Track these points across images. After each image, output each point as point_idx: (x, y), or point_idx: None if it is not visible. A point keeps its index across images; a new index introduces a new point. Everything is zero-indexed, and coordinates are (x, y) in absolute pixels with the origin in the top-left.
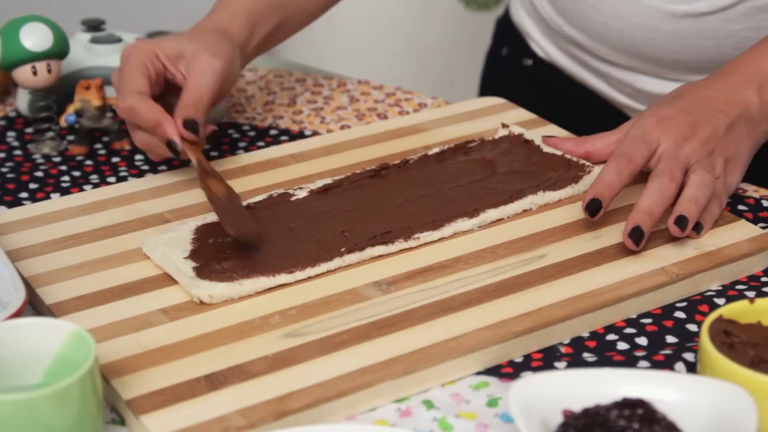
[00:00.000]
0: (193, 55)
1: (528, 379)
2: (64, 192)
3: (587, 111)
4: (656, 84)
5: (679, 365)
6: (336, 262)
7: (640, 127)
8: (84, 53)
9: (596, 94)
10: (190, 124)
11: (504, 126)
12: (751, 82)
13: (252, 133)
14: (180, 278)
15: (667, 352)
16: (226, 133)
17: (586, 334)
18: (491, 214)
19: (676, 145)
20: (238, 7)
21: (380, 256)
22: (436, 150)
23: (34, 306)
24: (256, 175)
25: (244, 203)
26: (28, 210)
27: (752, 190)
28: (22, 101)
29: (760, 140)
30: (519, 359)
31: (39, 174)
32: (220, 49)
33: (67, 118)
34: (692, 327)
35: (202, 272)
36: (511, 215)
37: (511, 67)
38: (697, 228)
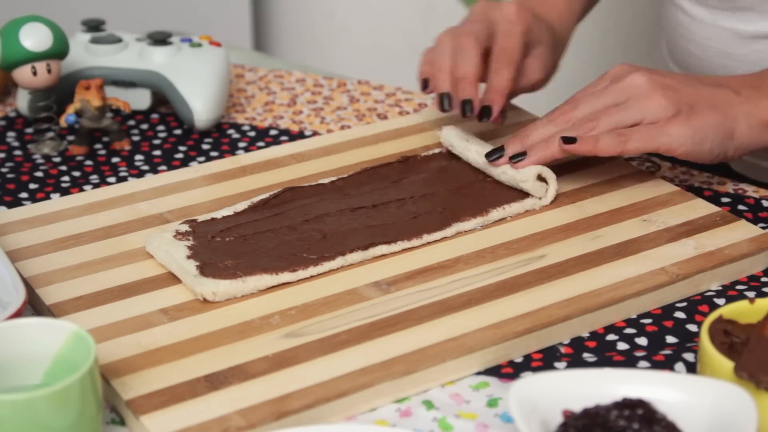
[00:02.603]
0: (540, 50)
1: (528, 379)
2: (64, 192)
3: None
4: None
5: (679, 365)
6: (338, 261)
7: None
8: (84, 53)
9: None
10: (495, 154)
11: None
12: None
13: (252, 133)
14: (183, 276)
15: (667, 352)
16: (226, 133)
17: (586, 334)
18: (494, 214)
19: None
20: None
21: (381, 256)
22: (437, 150)
23: (34, 306)
24: (256, 175)
25: (244, 203)
26: (28, 210)
27: (752, 191)
28: (22, 101)
29: (734, 123)
30: (519, 359)
31: (39, 174)
32: (560, 44)
33: (67, 118)
34: (692, 327)
35: (205, 270)
36: (514, 215)
37: None
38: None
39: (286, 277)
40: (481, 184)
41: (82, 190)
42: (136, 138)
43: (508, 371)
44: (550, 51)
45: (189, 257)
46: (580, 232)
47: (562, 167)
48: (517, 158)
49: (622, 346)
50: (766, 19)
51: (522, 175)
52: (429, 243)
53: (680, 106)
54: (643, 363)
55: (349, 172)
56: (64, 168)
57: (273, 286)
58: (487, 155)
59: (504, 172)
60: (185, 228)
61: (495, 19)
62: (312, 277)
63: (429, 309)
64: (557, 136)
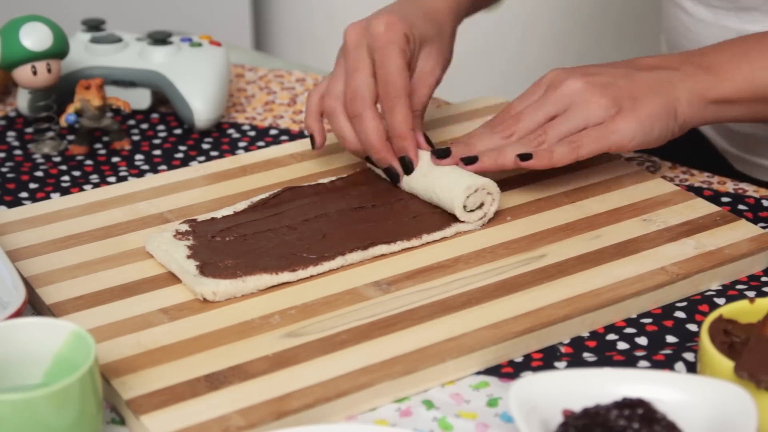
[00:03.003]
0: (431, 47)
1: (528, 379)
2: (64, 192)
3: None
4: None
5: (679, 365)
6: (338, 261)
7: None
8: (84, 53)
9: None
10: (442, 153)
11: None
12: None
13: (252, 133)
14: (183, 276)
15: (667, 352)
16: (226, 133)
17: (586, 334)
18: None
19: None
20: None
21: (381, 256)
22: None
23: (34, 306)
24: (256, 175)
25: (244, 203)
26: (28, 210)
27: (752, 190)
28: (22, 101)
29: (678, 102)
30: (519, 359)
31: (39, 174)
32: (447, 37)
33: (67, 118)
34: (692, 327)
35: (205, 270)
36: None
37: None
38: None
39: (286, 276)
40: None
41: (82, 189)
42: (136, 138)
43: (508, 371)
44: (441, 43)
45: (189, 257)
46: (580, 232)
47: (562, 167)
48: (468, 161)
49: (622, 345)
50: None
51: (453, 191)
52: (429, 243)
53: (621, 102)
54: (643, 363)
55: (349, 172)
56: (64, 168)
57: (273, 286)
58: (435, 152)
59: (432, 191)
60: (185, 228)
61: (371, 46)
62: (312, 276)
63: (429, 309)
64: (505, 149)
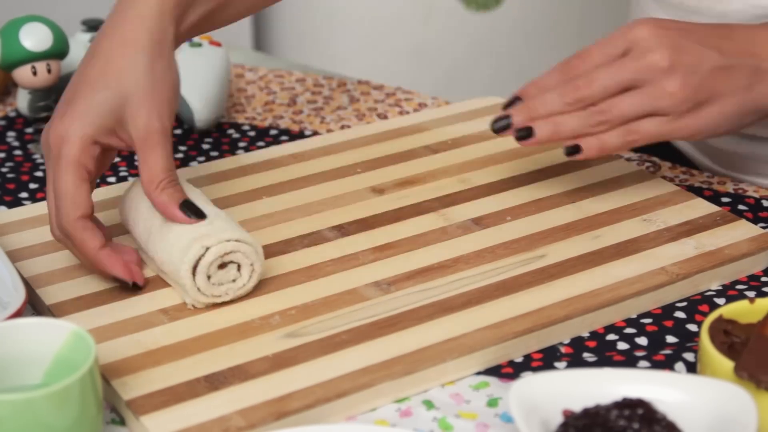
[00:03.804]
0: (133, 115)
1: (528, 379)
2: None
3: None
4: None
5: (679, 365)
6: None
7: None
8: (84, 53)
9: None
10: (188, 206)
11: None
12: None
13: (252, 133)
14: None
15: (667, 352)
16: (226, 133)
17: (586, 334)
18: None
19: (644, 52)
20: None
21: (380, 256)
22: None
23: (34, 306)
24: (256, 175)
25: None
26: (28, 210)
27: (752, 190)
28: (22, 101)
29: (759, 101)
30: (519, 359)
31: (39, 174)
32: (159, 80)
33: None
34: (692, 327)
35: None
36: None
37: None
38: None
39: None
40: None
41: None
42: None
43: (508, 371)
44: (149, 83)
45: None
46: (580, 232)
47: (562, 166)
48: (523, 135)
49: (622, 345)
50: None
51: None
52: (428, 243)
53: (698, 98)
54: (643, 363)
55: (349, 172)
56: None
57: (273, 286)
58: (493, 122)
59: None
60: None
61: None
62: (312, 276)
63: (429, 309)
64: (565, 123)
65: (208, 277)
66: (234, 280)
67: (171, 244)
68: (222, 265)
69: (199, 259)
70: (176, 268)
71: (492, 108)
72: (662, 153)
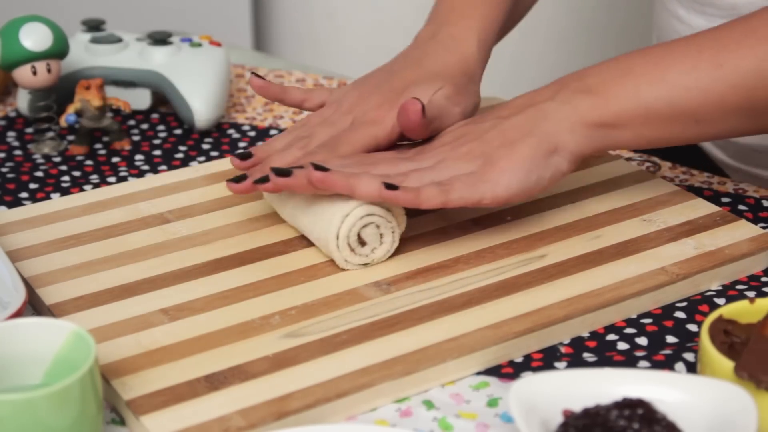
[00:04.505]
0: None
1: (528, 379)
2: (64, 192)
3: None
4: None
5: (679, 365)
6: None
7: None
8: (84, 53)
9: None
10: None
11: None
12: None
13: (252, 133)
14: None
15: (667, 352)
16: (226, 133)
17: (586, 334)
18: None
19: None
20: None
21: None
22: None
23: (34, 306)
24: None
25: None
26: (28, 210)
27: (752, 190)
28: (22, 101)
29: (551, 138)
30: (519, 359)
31: (39, 174)
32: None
33: (67, 118)
34: (692, 327)
35: None
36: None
37: None
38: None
39: None
40: None
41: (82, 190)
42: (136, 138)
43: (508, 371)
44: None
45: None
46: (580, 232)
47: None
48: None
49: (622, 346)
50: None
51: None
52: (429, 243)
53: (490, 154)
54: (643, 363)
55: None
56: (64, 168)
57: (273, 286)
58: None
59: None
60: None
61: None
62: (312, 276)
63: (429, 309)
64: (361, 175)
65: (351, 247)
66: (380, 245)
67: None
68: (361, 238)
69: (339, 229)
70: (326, 243)
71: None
72: (680, 152)
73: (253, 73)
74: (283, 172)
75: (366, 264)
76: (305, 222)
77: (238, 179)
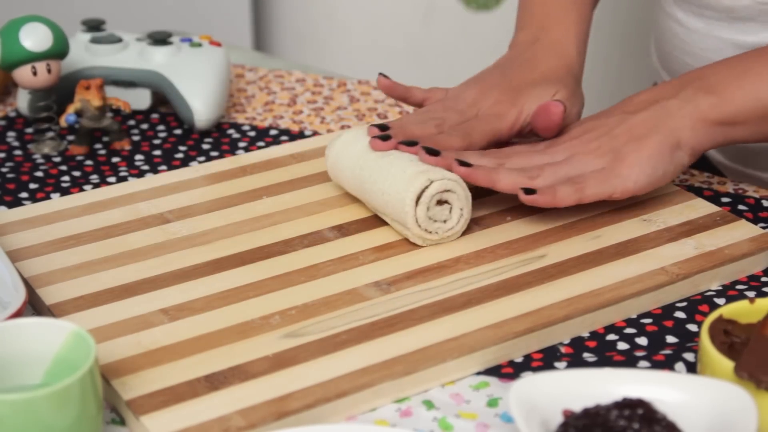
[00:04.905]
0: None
1: (528, 379)
2: (64, 192)
3: None
4: None
5: (679, 365)
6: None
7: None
8: (84, 53)
9: None
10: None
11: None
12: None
13: (252, 133)
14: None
15: (667, 352)
16: (226, 133)
17: (586, 334)
18: None
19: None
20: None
21: (380, 256)
22: None
23: (34, 306)
24: (256, 175)
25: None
26: (28, 210)
27: (752, 190)
28: (22, 101)
29: (676, 134)
30: (519, 359)
31: (39, 174)
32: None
33: (67, 118)
34: (692, 327)
35: None
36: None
37: None
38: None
39: None
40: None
41: (82, 190)
42: (136, 138)
43: (508, 371)
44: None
45: None
46: (580, 232)
47: None
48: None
49: (622, 346)
50: (767, 29)
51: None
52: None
53: (620, 149)
54: (643, 363)
55: None
56: (64, 168)
57: (273, 286)
58: (425, 149)
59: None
60: None
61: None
62: (312, 276)
63: (429, 309)
64: (500, 170)
65: (427, 209)
66: (445, 221)
67: (394, 176)
68: (439, 202)
69: (424, 190)
70: (401, 198)
71: None
72: None
73: (380, 74)
74: (433, 152)
75: (435, 236)
76: (376, 187)
77: (383, 138)
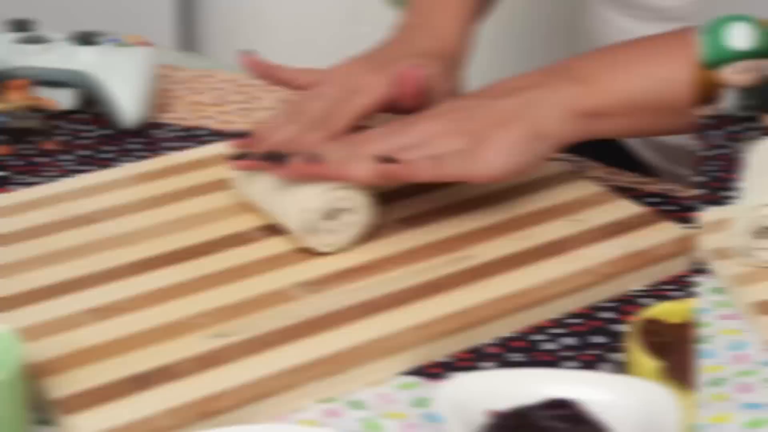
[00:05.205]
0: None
1: (455, 379)
2: None
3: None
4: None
5: (607, 365)
6: None
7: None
8: (9, 53)
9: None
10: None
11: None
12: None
13: (180, 133)
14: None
15: (595, 352)
16: (154, 133)
17: (513, 335)
18: None
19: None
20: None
21: (307, 257)
22: None
23: None
24: (184, 176)
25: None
26: None
27: (678, 191)
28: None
29: (537, 126)
30: (446, 359)
31: None
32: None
33: None
34: (619, 327)
35: None
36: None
37: None
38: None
39: None
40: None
41: (8, 190)
42: (63, 138)
43: (435, 371)
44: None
45: None
46: (508, 232)
47: None
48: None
49: (549, 346)
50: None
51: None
52: (357, 243)
53: (479, 134)
54: (571, 363)
55: None
56: None
57: (201, 287)
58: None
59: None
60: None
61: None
62: (240, 276)
63: (356, 309)
64: (354, 159)
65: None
66: (345, 226)
67: (287, 210)
68: (331, 215)
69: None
70: (299, 234)
71: None
72: (611, 154)
73: (242, 51)
74: (278, 157)
75: (329, 245)
76: (274, 201)
77: (240, 157)
